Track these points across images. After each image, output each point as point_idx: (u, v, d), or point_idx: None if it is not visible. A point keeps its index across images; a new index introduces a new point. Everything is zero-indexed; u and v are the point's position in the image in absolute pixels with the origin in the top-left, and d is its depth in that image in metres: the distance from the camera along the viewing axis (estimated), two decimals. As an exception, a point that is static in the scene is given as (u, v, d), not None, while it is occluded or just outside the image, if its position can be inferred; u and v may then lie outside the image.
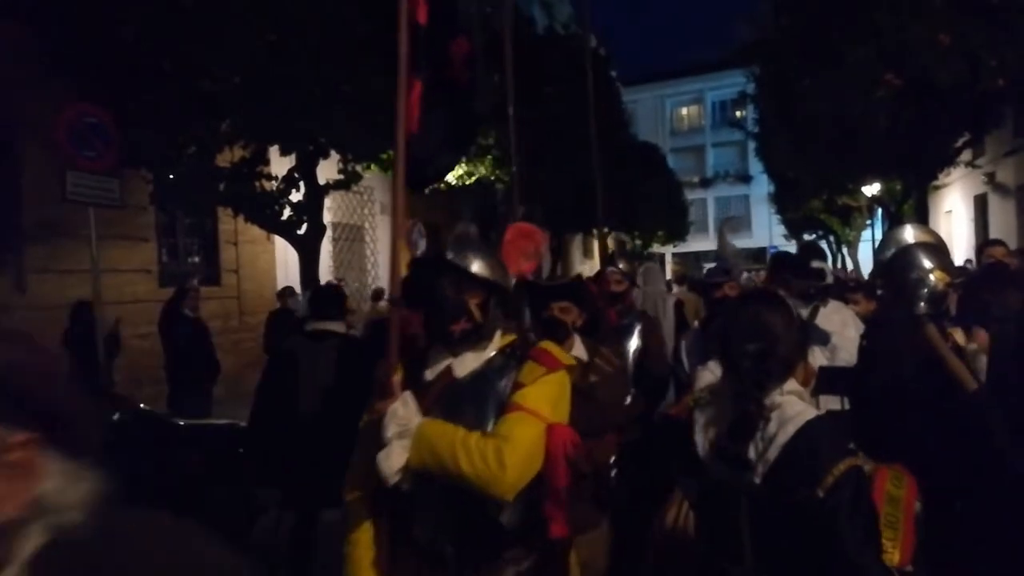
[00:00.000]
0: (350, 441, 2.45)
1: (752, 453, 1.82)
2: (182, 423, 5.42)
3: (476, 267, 2.06)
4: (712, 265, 6.08)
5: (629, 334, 4.30)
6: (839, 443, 1.80)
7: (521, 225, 3.00)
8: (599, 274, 4.75)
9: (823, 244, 25.83)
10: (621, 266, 4.71)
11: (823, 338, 4.32)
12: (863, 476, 1.76)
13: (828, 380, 4.24)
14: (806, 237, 25.27)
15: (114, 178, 7.20)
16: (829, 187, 18.22)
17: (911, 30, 9.37)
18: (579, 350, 3.21)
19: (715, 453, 1.92)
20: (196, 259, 11.56)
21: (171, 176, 7.98)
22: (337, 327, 4.29)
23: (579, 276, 4.37)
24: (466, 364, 2.07)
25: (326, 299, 4.50)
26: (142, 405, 5.17)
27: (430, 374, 2.09)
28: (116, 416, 4.84)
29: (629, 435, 3.80)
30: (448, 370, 2.08)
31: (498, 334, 2.14)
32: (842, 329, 4.40)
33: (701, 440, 1.97)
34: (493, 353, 2.10)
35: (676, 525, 2.23)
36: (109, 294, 8.33)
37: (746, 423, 1.84)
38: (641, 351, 4.27)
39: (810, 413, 1.83)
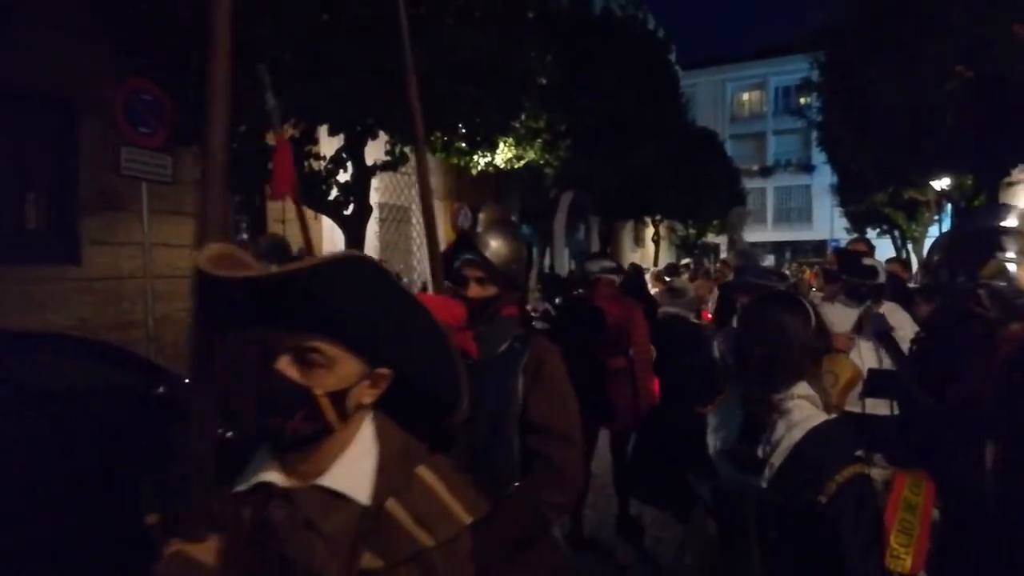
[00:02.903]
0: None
1: (760, 456, 1.83)
2: (222, 399, 5.44)
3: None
4: (744, 263, 5.76)
5: (504, 373, 2.26)
6: (845, 449, 1.81)
7: None
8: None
9: (887, 239, 24.99)
10: (493, 247, 2.33)
11: (874, 340, 4.14)
12: (868, 484, 1.76)
13: (877, 383, 4.06)
14: (869, 231, 24.43)
15: (167, 155, 7.33)
16: (894, 180, 17.53)
17: (986, 23, 8.90)
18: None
19: (724, 455, 1.95)
20: (245, 236, 11.73)
21: (221, 154, 8.06)
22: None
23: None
24: None
25: None
26: (187, 380, 5.17)
27: None
28: (161, 389, 4.90)
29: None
30: None
31: None
32: (898, 332, 4.20)
33: (712, 441, 2.00)
34: None
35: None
36: (160, 268, 8.51)
37: (754, 425, 1.85)
38: (524, 401, 2.23)
39: (818, 418, 1.84)
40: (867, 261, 4.58)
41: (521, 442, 2.20)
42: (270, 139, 8.43)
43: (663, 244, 27.34)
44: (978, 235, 2.92)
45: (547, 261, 19.15)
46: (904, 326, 4.21)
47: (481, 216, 2.45)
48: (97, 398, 4.73)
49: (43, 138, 8.60)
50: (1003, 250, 2.71)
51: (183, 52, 7.25)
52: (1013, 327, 2.56)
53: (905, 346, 4.04)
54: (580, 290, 7.06)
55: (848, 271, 4.51)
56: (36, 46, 7.85)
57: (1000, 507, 2.36)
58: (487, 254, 2.32)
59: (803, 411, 1.83)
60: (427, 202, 2.54)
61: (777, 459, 1.79)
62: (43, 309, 7.92)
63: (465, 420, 1.68)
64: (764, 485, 1.79)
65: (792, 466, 1.77)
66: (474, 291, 2.29)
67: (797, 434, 1.79)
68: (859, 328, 4.22)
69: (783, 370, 1.85)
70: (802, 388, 1.88)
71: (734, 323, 5.09)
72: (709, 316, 7.36)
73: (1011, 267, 2.66)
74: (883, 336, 4.06)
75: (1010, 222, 2.95)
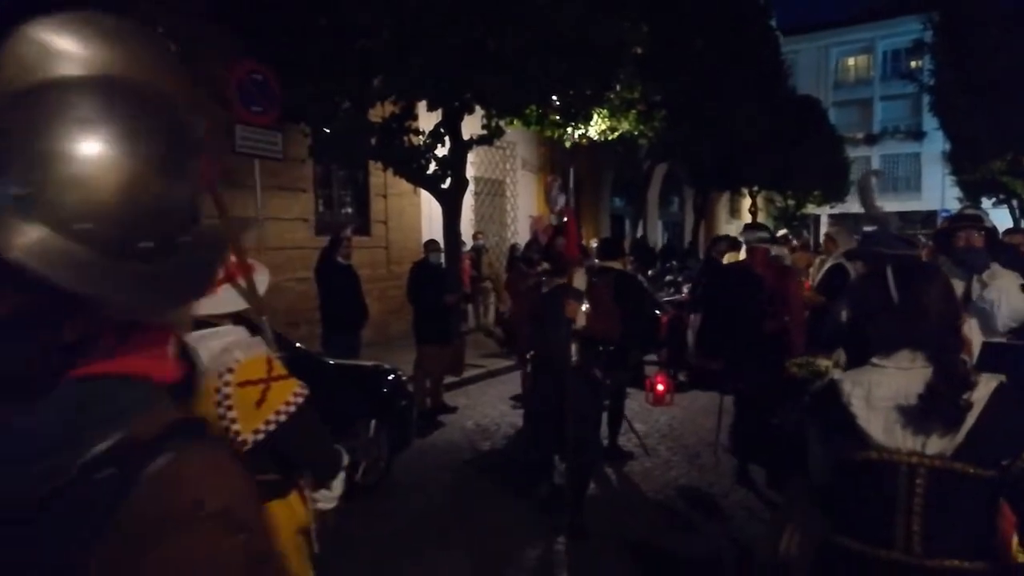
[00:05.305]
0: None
1: (942, 423, 1.72)
2: (332, 362, 5.73)
3: None
4: (871, 229, 5.83)
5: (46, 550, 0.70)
6: None
7: None
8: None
9: (1004, 209, 23.47)
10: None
11: (979, 311, 4.02)
12: None
13: (992, 356, 3.93)
14: (984, 201, 23.01)
15: (277, 132, 7.71)
16: (1014, 146, 16.45)
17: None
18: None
19: (892, 427, 1.78)
20: (349, 210, 12.19)
21: (327, 130, 8.41)
22: (616, 265, 6.07)
23: None
24: None
25: (609, 246, 6.55)
26: (298, 344, 5.47)
27: None
28: (279, 354, 5.23)
29: None
30: None
31: None
32: (999, 295, 4.05)
33: (863, 410, 1.81)
34: None
35: (787, 552, 2.17)
36: (271, 241, 8.99)
37: (948, 393, 1.71)
38: None
39: (995, 379, 1.73)
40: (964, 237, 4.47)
41: None
42: (373, 115, 8.75)
43: (760, 215, 26.58)
44: None
45: (639, 233, 18.98)
46: (1009, 291, 4.05)
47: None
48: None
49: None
50: None
51: (292, 33, 7.60)
52: None
53: (1001, 312, 3.95)
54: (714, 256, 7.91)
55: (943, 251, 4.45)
56: (153, 22, 8.36)
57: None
58: None
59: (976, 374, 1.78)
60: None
61: (968, 422, 1.69)
62: (167, 279, 8.53)
63: None
64: (948, 453, 1.70)
65: (985, 429, 1.67)
66: None
67: (983, 393, 1.70)
68: (966, 300, 4.09)
69: (958, 337, 1.84)
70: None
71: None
72: (808, 286, 7.26)
73: None
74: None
75: None
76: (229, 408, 1.88)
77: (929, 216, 34.65)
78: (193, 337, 1.62)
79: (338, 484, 2.21)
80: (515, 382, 7.28)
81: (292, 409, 1.95)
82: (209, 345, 1.86)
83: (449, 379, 8.45)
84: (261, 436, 1.89)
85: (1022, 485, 1.65)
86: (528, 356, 5.12)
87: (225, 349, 1.91)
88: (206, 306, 1.95)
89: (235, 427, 1.88)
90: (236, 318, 2.11)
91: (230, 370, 1.90)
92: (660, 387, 7.77)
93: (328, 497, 2.20)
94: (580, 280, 4.59)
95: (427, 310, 7.71)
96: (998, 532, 1.78)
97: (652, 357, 8.92)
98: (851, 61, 42.58)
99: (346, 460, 2.26)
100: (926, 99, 21.80)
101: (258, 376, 1.92)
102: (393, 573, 4.28)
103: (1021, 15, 9.83)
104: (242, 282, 2.09)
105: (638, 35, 9.68)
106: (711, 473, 5.94)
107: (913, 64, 25.37)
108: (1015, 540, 1.80)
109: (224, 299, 2.05)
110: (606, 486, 5.75)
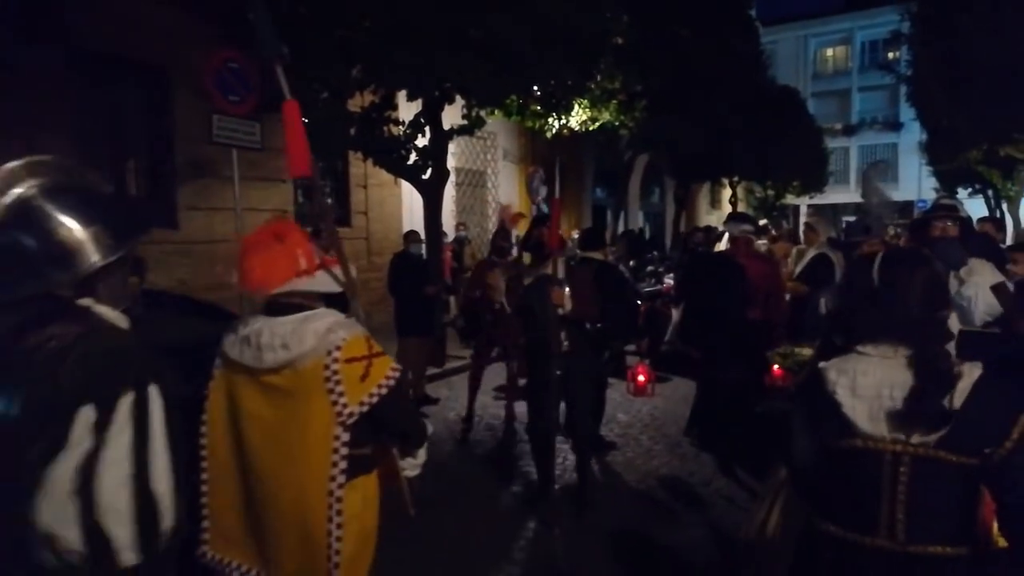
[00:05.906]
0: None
1: (929, 412, 1.73)
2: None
3: None
4: (852, 219, 5.98)
5: None
6: (1014, 397, 1.73)
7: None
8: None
9: (979, 199, 23.81)
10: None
11: (957, 307, 4.08)
12: None
13: (969, 345, 3.99)
14: (960, 191, 23.30)
15: (255, 121, 7.60)
16: (990, 137, 16.64)
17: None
18: None
19: (877, 415, 1.77)
20: (329, 201, 12.09)
21: (306, 120, 8.30)
22: (597, 255, 5.96)
23: None
24: None
25: (590, 237, 6.30)
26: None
27: None
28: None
29: None
30: None
31: None
32: (975, 291, 4.12)
33: (848, 399, 1.81)
34: None
35: (773, 536, 2.15)
36: (250, 232, 8.85)
37: (937, 383, 1.72)
38: None
39: (977, 368, 1.74)
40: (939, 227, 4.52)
41: None
42: (352, 105, 8.67)
43: (740, 206, 26.70)
44: None
45: (620, 224, 19.03)
46: (986, 284, 4.10)
47: None
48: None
49: (140, 108, 9.05)
50: None
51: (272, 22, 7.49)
52: None
53: (978, 308, 4.01)
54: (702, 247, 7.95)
55: (919, 241, 4.50)
56: (131, 13, 8.21)
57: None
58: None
59: (959, 364, 1.78)
60: None
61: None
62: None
63: None
64: (932, 442, 1.70)
65: (969, 419, 1.68)
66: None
67: (966, 384, 1.70)
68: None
69: (943, 327, 1.83)
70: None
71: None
72: (787, 275, 7.33)
73: None
74: None
75: None
76: (338, 383, 2.08)
77: (906, 206, 35.05)
78: (296, 319, 2.13)
79: (423, 453, 2.49)
80: (497, 373, 7.27)
81: (392, 383, 2.15)
82: (313, 326, 2.10)
83: (431, 370, 8.43)
84: (365, 408, 2.11)
85: (1003, 472, 1.67)
86: (517, 344, 5.19)
87: (329, 329, 2.12)
88: (307, 284, 2.17)
89: (343, 400, 2.08)
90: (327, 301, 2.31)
91: (338, 348, 2.10)
92: (641, 378, 7.80)
93: (413, 464, 2.49)
94: (559, 269, 4.62)
95: (408, 301, 7.68)
96: (979, 518, 1.79)
97: (633, 347, 8.94)
98: (829, 52, 42.89)
99: (430, 430, 2.48)
100: (903, 90, 21.97)
101: (361, 353, 2.13)
102: (377, 565, 4.26)
103: (996, 4, 9.92)
104: (336, 269, 2.27)
105: (619, 25, 9.66)
106: (692, 462, 5.98)
107: (891, 55, 25.53)
108: (995, 526, 1.82)
109: (321, 280, 2.22)
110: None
